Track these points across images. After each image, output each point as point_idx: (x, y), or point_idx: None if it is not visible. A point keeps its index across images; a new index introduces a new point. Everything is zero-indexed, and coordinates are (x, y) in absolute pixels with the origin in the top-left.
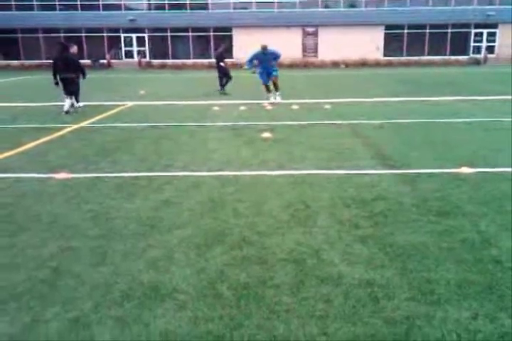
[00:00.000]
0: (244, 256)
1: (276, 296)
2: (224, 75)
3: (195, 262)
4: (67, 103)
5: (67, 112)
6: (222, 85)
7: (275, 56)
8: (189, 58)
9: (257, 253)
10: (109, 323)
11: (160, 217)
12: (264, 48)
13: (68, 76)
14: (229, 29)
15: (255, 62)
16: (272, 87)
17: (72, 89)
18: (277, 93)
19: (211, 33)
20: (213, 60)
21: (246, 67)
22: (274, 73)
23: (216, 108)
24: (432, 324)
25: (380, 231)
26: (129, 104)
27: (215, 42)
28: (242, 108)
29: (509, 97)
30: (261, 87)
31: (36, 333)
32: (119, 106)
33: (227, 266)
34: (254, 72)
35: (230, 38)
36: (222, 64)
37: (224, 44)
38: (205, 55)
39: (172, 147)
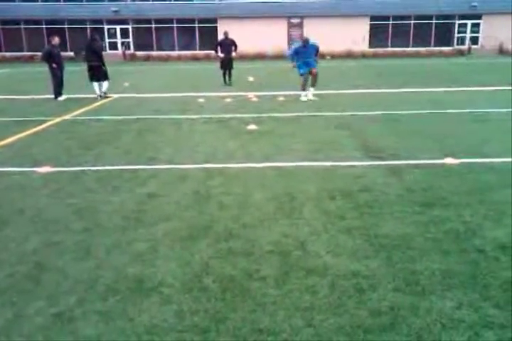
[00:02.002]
0: (229, 248)
1: (262, 288)
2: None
3: (180, 255)
4: (97, 88)
5: (100, 96)
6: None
7: (317, 49)
8: (174, 50)
9: (243, 245)
10: (93, 318)
11: (145, 210)
12: (306, 41)
13: (96, 64)
14: (214, 20)
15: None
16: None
17: (100, 76)
18: (312, 89)
19: (196, 25)
20: (198, 52)
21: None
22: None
23: (201, 100)
24: (417, 314)
25: (366, 223)
26: (114, 96)
27: (200, 33)
28: (228, 100)
29: (493, 88)
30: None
31: (19, 328)
32: (103, 98)
33: (213, 258)
34: (294, 67)
35: (215, 29)
36: (234, 54)
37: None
38: (190, 46)
39: (157, 140)
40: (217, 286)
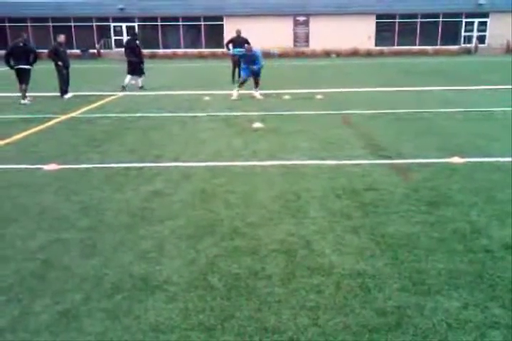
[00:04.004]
0: (235, 247)
1: (268, 287)
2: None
3: (186, 253)
4: (127, 80)
5: (123, 87)
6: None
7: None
8: (180, 48)
9: (248, 244)
10: (98, 315)
11: (151, 208)
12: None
13: (133, 59)
14: (220, 18)
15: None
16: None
17: (134, 70)
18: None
19: (202, 23)
20: (204, 50)
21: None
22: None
23: (207, 98)
24: (423, 314)
25: (371, 222)
26: (119, 94)
27: (205, 31)
28: (233, 98)
29: (501, 87)
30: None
31: (25, 325)
32: (109, 96)
33: (218, 257)
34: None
35: (221, 27)
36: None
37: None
38: (196, 44)
39: (163, 137)
40: (223, 285)
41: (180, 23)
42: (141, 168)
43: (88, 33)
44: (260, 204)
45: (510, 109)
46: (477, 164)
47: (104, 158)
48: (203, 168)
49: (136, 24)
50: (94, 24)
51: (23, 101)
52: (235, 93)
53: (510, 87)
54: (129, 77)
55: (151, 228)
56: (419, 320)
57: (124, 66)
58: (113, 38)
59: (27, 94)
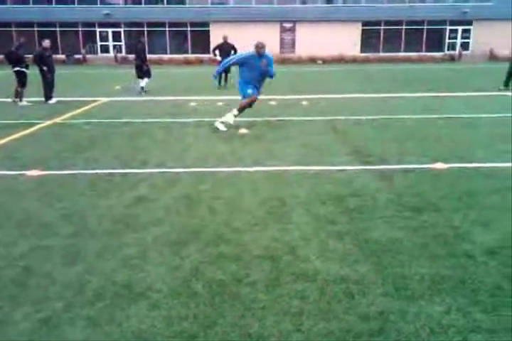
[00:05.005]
0: (219, 253)
1: (252, 293)
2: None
3: (169, 260)
4: (143, 82)
5: (142, 88)
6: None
7: (270, 64)
8: (166, 53)
9: (233, 250)
10: (80, 323)
11: (135, 214)
12: (262, 47)
13: (138, 63)
14: (206, 24)
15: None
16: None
17: (141, 73)
18: (229, 114)
19: (188, 28)
20: (190, 56)
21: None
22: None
23: (193, 104)
24: (406, 319)
25: (356, 227)
26: (104, 99)
27: (192, 37)
28: (220, 104)
29: (484, 94)
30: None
31: (5, 334)
32: (93, 101)
33: (203, 263)
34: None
35: (207, 33)
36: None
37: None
38: (182, 50)
39: (148, 143)
40: (207, 291)
41: (167, 29)
42: (125, 174)
43: (74, 38)
44: (245, 210)
45: (491, 115)
46: (460, 170)
47: (89, 163)
48: (188, 173)
49: (122, 29)
50: (79, 29)
51: (20, 104)
52: (230, 118)
53: (491, 93)
54: (139, 81)
55: (135, 234)
56: (402, 325)
57: (111, 71)
58: (99, 43)
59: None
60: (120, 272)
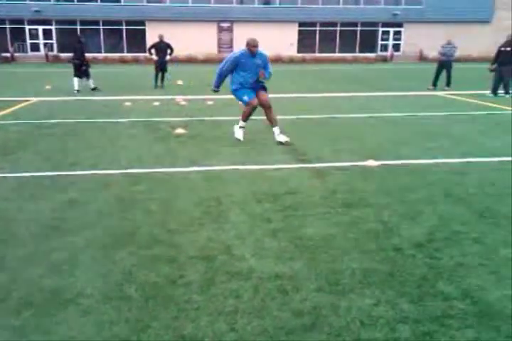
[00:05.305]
0: (153, 255)
1: (186, 295)
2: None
3: (101, 264)
4: (75, 83)
5: (78, 91)
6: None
7: (266, 62)
8: (100, 52)
9: (167, 251)
10: (5, 334)
11: (65, 218)
12: (255, 45)
13: (77, 62)
14: (142, 23)
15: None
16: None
17: (80, 72)
18: (276, 128)
19: (123, 27)
20: (126, 55)
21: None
22: (264, 85)
23: (128, 103)
24: (338, 313)
25: (291, 225)
26: (34, 99)
27: (127, 36)
28: (156, 103)
29: (414, 93)
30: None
31: None
32: (23, 101)
33: (136, 266)
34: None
35: (143, 31)
36: (169, 58)
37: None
38: (117, 49)
39: (80, 145)
40: (140, 295)
41: (101, 27)
42: (55, 177)
43: (1, 35)
44: (181, 211)
45: (419, 114)
46: (390, 166)
47: (16, 166)
48: (122, 175)
49: (53, 27)
50: (7, 26)
51: None
52: (238, 133)
53: (421, 93)
54: (75, 79)
55: (65, 239)
56: (334, 318)
57: (41, 70)
58: (28, 41)
59: None
60: (48, 278)
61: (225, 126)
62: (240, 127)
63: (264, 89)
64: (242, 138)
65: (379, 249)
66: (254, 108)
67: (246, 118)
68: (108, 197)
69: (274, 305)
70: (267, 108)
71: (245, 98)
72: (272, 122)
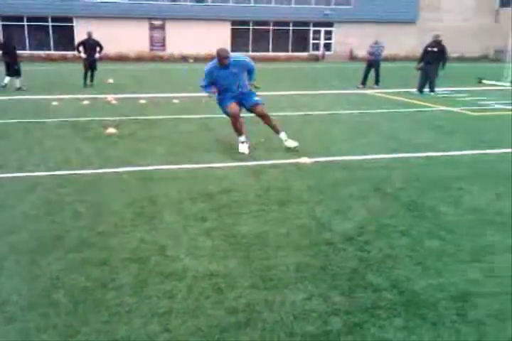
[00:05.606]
0: (83, 259)
1: (118, 298)
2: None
3: (27, 270)
4: (6, 80)
5: (3, 86)
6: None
7: (248, 67)
8: (25, 49)
9: (98, 255)
10: None
11: None
12: (224, 57)
13: (7, 60)
14: (69, 19)
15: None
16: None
17: (10, 71)
18: (282, 134)
19: (50, 23)
20: (53, 52)
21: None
22: (255, 99)
23: (56, 103)
24: (271, 308)
25: (225, 223)
26: None
27: (54, 33)
28: (85, 102)
29: (345, 91)
30: None
31: None
32: None
33: (64, 271)
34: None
35: (71, 28)
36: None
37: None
38: (43, 46)
39: (5, 146)
40: (69, 300)
41: (25, 23)
42: None
43: None
44: (112, 213)
45: (350, 111)
46: (323, 163)
47: None
48: (49, 177)
49: None
50: None
51: None
52: (242, 147)
53: (351, 91)
54: (7, 78)
55: None
56: (268, 314)
57: None
58: None
59: None
60: None
61: (159, 125)
62: (242, 142)
63: (253, 95)
64: (246, 152)
65: (312, 244)
66: (235, 116)
67: (237, 131)
68: (35, 200)
69: (208, 303)
70: (262, 117)
71: (227, 109)
72: (274, 130)
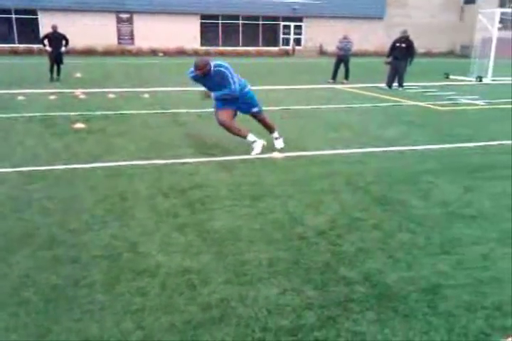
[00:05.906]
0: (53, 256)
1: (89, 295)
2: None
3: None
4: None
5: None
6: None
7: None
8: None
9: (68, 252)
10: None
11: None
12: (198, 69)
13: None
14: (33, 12)
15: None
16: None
17: None
18: (275, 134)
19: (13, 15)
20: (18, 46)
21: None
22: (253, 110)
23: (22, 97)
24: (245, 303)
25: (198, 219)
26: None
27: (18, 25)
28: (52, 97)
29: (316, 86)
30: None
31: None
32: None
33: (34, 269)
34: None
35: (36, 21)
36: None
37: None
38: (7, 40)
39: None
40: (39, 298)
41: None
42: None
43: None
44: (82, 210)
45: (321, 106)
46: (295, 158)
47: None
48: (15, 173)
49: None
50: None
51: None
52: (255, 149)
53: (321, 86)
54: None
55: None
56: (242, 309)
57: None
58: None
59: None
60: None
61: (128, 120)
62: (253, 142)
63: (252, 104)
64: (259, 151)
65: (284, 239)
66: (223, 125)
67: (237, 135)
68: (0, 197)
69: (182, 300)
70: (259, 121)
71: (217, 114)
72: (267, 129)
